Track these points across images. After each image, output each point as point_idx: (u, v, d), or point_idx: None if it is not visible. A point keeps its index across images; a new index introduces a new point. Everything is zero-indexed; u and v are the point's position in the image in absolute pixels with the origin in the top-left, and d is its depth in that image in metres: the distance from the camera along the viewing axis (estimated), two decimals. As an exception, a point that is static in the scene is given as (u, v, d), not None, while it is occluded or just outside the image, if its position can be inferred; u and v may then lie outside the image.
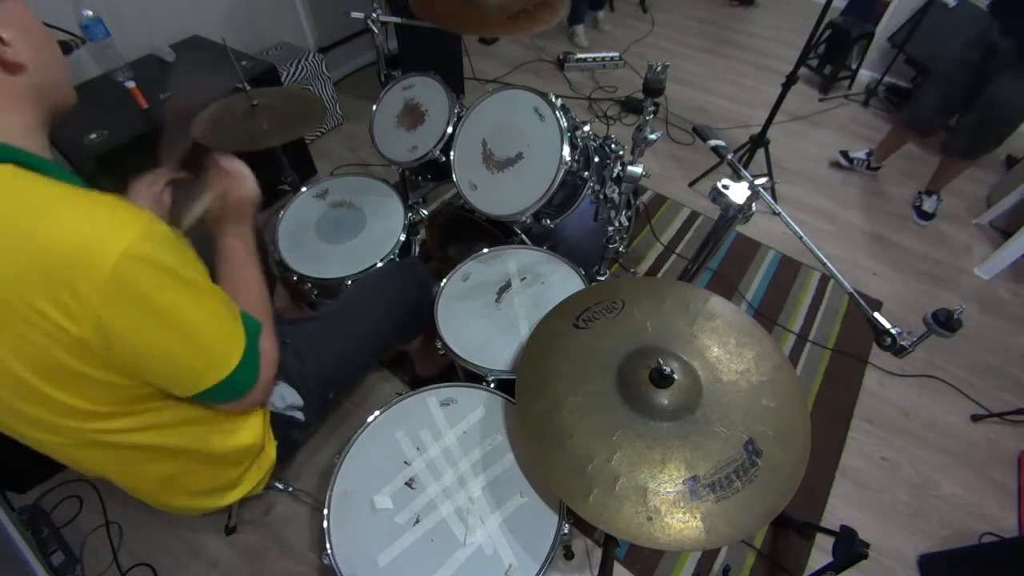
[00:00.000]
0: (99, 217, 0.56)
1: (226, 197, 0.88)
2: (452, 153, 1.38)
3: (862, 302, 0.88)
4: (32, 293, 0.53)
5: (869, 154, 2.42)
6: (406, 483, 0.92)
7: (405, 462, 0.95)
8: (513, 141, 1.29)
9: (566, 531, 0.86)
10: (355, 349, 1.08)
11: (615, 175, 1.04)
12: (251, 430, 0.87)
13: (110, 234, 0.55)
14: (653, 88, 0.89)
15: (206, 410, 0.76)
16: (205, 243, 0.81)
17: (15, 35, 0.57)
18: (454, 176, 1.37)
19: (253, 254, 0.88)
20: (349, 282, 1.34)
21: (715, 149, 1.13)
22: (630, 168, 0.99)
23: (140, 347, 0.60)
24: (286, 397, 0.95)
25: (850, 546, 0.96)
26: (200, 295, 0.65)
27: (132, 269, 0.55)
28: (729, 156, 1.09)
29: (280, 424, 0.95)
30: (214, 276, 0.76)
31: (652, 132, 0.94)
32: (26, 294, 0.53)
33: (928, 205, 2.22)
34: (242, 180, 0.90)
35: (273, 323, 0.83)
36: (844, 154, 2.47)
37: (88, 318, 0.54)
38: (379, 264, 1.36)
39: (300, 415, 0.97)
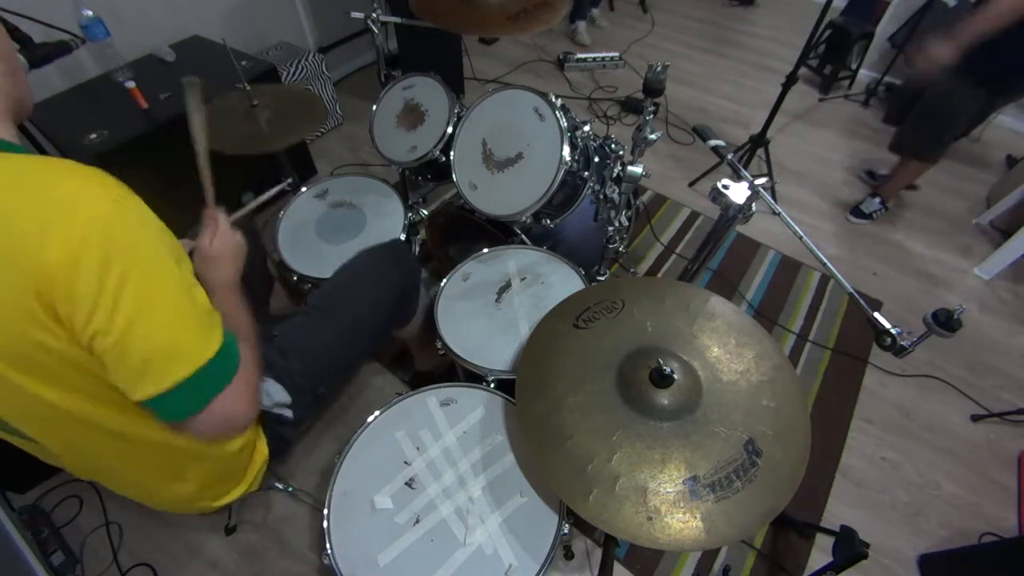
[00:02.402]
0: (71, 185, 0.55)
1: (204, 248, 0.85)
2: (452, 153, 1.38)
3: (862, 302, 0.88)
4: (9, 273, 0.52)
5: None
6: (406, 483, 0.92)
7: (405, 462, 0.95)
8: (513, 141, 1.29)
9: (566, 531, 0.86)
10: (341, 340, 1.05)
11: (615, 175, 1.04)
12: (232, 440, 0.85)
13: (82, 201, 0.54)
14: (653, 88, 0.89)
15: None
16: None
17: None
18: (454, 176, 1.37)
19: (238, 307, 0.83)
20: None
21: (715, 149, 1.13)
22: (630, 168, 0.99)
23: (117, 323, 0.56)
24: (272, 395, 0.92)
25: (850, 546, 0.96)
26: (178, 270, 0.62)
27: (102, 235, 0.54)
28: (729, 156, 1.09)
29: (270, 422, 0.93)
30: None
31: (652, 132, 0.94)
32: (5, 276, 0.52)
33: (867, 206, 2.19)
34: (223, 236, 0.86)
35: (259, 368, 0.77)
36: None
37: (60, 289, 0.53)
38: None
39: (288, 412, 0.95)
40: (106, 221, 0.54)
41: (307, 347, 0.99)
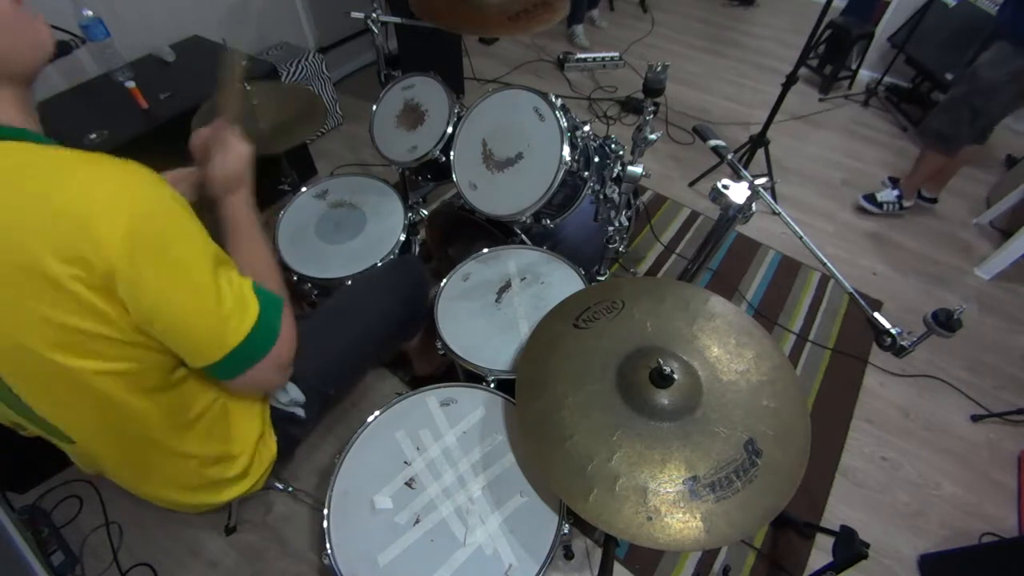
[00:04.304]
0: (109, 175, 0.57)
1: (219, 167, 0.83)
2: (452, 153, 1.38)
3: (862, 302, 0.88)
4: (50, 260, 0.53)
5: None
6: (406, 483, 0.92)
7: (405, 462, 0.95)
8: (513, 141, 1.29)
9: (566, 531, 0.86)
10: (354, 346, 1.08)
11: (615, 175, 1.04)
12: (246, 436, 0.87)
13: (122, 191, 0.56)
14: (653, 88, 0.89)
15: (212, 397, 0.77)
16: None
17: None
18: (454, 176, 1.37)
19: (254, 220, 0.85)
20: (349, 282, 1.34)
21: (715, 149, 1.13)
22: (630, 168, 0.99)
23: (162, 303, 0.60)
24: (289, 391, 0.95)
25: (850, 546, 0.96)
26: (211, 255, 0.66)
27: (146, 223, 0.57)
28: (729, 156, 1.09)
29: (280, 420, 0.95)
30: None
31: (652, 132, 0.94)
32: (44, 263, 0.53)
33: (883, 195, 2.15)
34: (226, 147, 0.85)
35: (288, 298, 0.82)
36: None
37: (111, 276, 0.55)
38: (379, 264, 1.36)
39: (301, 411, 0.97)
40: (153, 204, 0.58)
41: (320, 348, 1.01)
